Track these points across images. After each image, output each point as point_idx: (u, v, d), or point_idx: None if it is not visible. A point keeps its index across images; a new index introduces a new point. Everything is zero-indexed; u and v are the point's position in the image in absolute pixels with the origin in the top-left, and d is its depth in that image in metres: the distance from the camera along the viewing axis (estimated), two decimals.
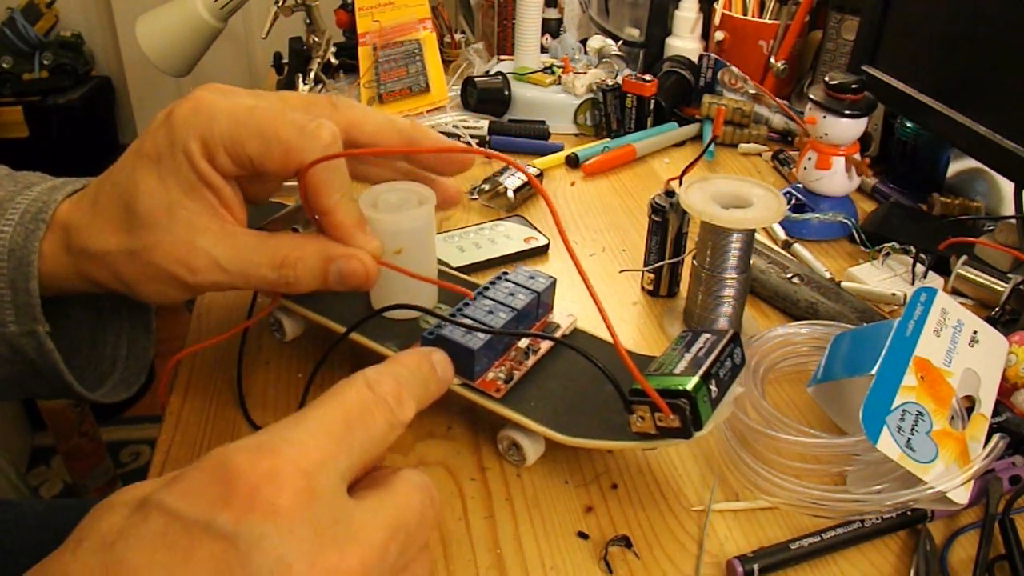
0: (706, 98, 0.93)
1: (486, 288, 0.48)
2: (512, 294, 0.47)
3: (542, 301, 0.49)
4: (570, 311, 0.50)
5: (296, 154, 0.39)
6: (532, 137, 0.89)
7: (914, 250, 0.64)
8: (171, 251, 0.40)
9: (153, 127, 0.41)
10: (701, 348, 0.41)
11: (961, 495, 0.41)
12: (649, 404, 0.38)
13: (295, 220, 0.48)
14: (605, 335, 0.48)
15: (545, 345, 0.48)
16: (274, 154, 0.39)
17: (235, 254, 0.40)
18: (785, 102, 0.96)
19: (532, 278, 0.49)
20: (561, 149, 0.88)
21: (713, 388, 0.39)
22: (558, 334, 0.49)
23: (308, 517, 0.25)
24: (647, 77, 0.89)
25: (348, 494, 0.28)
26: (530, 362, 0.46)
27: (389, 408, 0.30)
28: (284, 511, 0.25)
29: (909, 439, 0.41)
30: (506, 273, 0.49)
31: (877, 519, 0.41)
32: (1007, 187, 0.75)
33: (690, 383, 0.38)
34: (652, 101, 0.90)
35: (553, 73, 0.97)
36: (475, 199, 0.77)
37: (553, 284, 0.49)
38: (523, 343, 0.47)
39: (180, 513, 0.25)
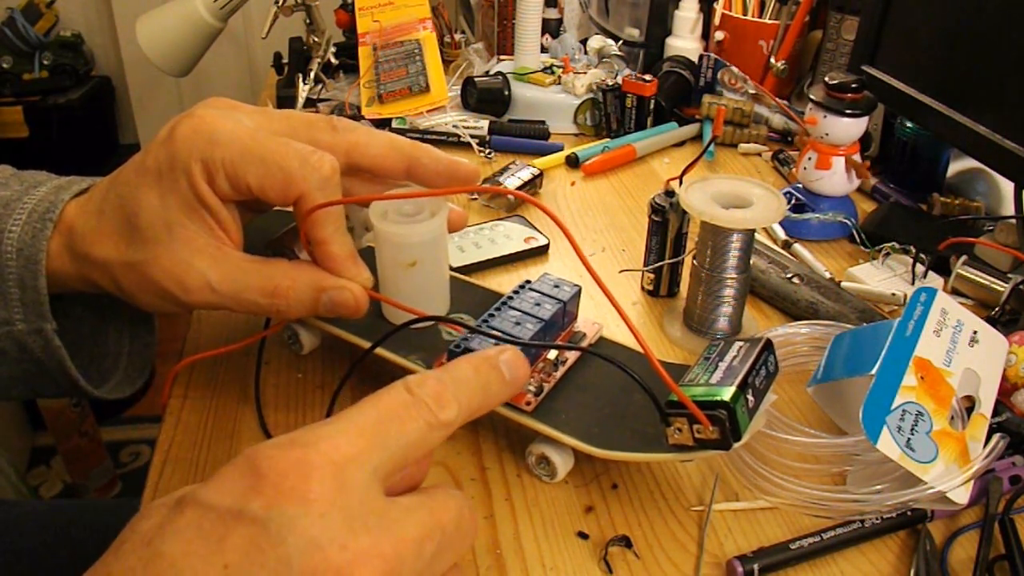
0: (706, 98, 0.93)
1: (510, 298, 0.47)
2: (538, 304, 0.46)
3: (567, 310, 0.48)
4: (594, 319, 0.50)
5: (296, 185, 0.39)
6: (532, 137, 0.89)
7: (914, 250, 0.64)
8: (168, 267, 0.40)
9: (155, 143, 0.41)
10: (735, 357, 0.41)
11: (961, 495, 0.41)
12: (687, 416, 0.38)
13: (297, 238, 0.48)
14: (620, 338, 0.48)
15: (572, 356, 0.47)
16: (274, 183, 0.39)
17: (228, 278, 0.41)
18: (785, 102, 0.96)
19: (557, 287, 0.48)
20: (561, 149, 0.88)
21: (750, 398, 0.39)
22: (584, 343, 0.48)
23: (339, 505, 0.26)
24: (647, 77, 0.89)
25: (385, 496, 0.28)
26: (559, 373, 0.45)
27: (428, 408, 0.30)
28: (314, 498, 0.25)
29: (909, 439, 0.41)
30: (529, 282, 0.48)
31: (877, 519, 0.41)
32: (1007, 187, 0.75)
33: (728, 393, 0.37)
34: (652, 101, 0.90)
35: (553, 73, 0.97)
36: (475, 199, 0.77)
37: (578, 293, 0.48)
38: (552, 354, 0.46)
39: (213, 504, 0.26)
